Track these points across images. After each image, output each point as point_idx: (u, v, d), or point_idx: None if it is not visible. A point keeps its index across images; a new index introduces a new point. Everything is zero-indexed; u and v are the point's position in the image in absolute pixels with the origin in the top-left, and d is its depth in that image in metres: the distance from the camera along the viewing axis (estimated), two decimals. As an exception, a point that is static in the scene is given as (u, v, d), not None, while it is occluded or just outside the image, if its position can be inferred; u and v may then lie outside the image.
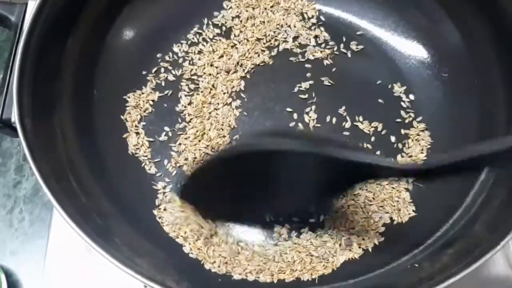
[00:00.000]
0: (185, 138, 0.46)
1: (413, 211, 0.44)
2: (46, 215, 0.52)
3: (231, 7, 0.51)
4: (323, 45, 0.50)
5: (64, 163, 0.41)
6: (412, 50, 0.49)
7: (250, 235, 0.44)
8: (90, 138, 0.44)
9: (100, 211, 0.41)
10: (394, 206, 0.44)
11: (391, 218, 0.43)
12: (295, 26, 0.50)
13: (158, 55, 0.49)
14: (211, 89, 0.48)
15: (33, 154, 0.36)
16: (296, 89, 0.48)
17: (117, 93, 0.47)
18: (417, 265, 0.40)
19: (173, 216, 0.42)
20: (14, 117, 0.36)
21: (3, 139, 0.56)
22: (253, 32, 0.50)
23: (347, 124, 0.47)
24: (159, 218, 0.43)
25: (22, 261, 0.50)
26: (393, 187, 0.44)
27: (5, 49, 0.62)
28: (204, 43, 0.50)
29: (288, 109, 0.48)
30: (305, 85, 0.48)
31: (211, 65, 0.49)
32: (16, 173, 0.55)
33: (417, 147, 0.46)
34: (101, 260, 0.35)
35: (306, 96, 0.48)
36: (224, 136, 0.46)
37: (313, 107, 0.48)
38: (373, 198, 0.44)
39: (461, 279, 0.34)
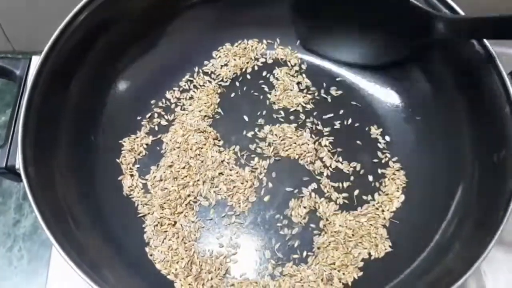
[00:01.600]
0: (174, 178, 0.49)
1: (390, 246, 0.46)
2: (44, 252, 0.54)
3: (220, 56, 0.55)
4: (305, 91, 0.54)
5: (62, 204, 0.43)
6: (387, 95, 0.53)
7: (237, 269, 0.46)
8: (87, 180, 0.47)
9: (96, 249, 0.44)
10: (372, 242, 0.46)
11: (369, 254, 0.46)
12: (279, 73, 0.54)
13: (152, 102, 0.53)
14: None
15: (36, 199, 0.39)
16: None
17: (113, 138, 0.50)
18: (393, 297, 0.43)
19: (164, 254, 0.45)
20: (19, 165, 0.40)
21: (3, 179, 0.58)
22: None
23: (328, 164, 0.50)
24: (151, 255, 0.46)
25: (22, 299, 0.52)
26: (371, 224, 0.47)
27: (6, 91, 0.65)
28: (195, 90, 0.54)
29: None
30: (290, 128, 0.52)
31: (200, 111, 0.52)
32: (16, 212, 0.57)
33: (393, 186, 0.49)
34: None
35: (291, 139, 0.52)
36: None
37: (297, 149, 0.51)
38: (353, 234, 0.46)
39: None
